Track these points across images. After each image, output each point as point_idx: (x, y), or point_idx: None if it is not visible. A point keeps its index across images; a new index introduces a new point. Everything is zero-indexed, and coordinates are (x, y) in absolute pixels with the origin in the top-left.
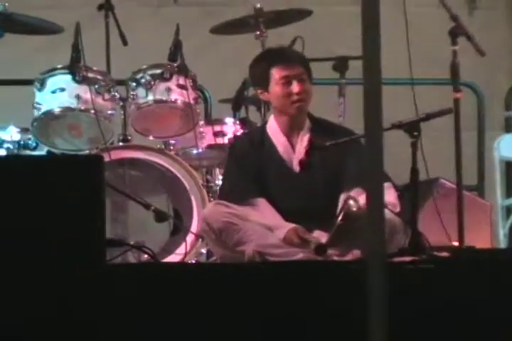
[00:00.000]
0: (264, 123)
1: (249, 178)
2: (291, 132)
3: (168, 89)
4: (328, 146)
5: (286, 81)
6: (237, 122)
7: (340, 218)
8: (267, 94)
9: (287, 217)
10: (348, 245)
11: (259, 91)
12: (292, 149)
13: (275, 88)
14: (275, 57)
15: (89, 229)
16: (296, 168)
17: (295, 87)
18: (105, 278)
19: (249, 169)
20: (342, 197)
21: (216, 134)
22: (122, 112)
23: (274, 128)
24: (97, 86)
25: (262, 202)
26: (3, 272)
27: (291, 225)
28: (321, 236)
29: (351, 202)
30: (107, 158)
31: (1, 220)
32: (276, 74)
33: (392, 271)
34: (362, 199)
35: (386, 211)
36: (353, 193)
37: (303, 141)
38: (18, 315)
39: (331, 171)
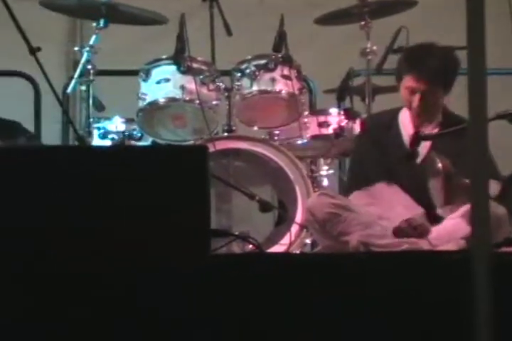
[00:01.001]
0: (399, 108)
1: (374, 159)
2: (419, 125)
3: (273, 80)
4: (434, 137)
5: (411, 90)
6: (342, 112)
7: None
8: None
9: None
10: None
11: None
12: None
13: (403, 90)
14: (412, 63)
15: (194, 219)
16: (418, 159)
17: (415, 100)
18: (210, 268)
19: (375, 147)
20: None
21: (320, 124)
22: (227, 102)
23: (405, 118)
24: (201, 76)
25: (386, 186)
26: (107, 263)
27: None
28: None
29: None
30: (211, 149)
31: (106, 212)
32: (405, 81)
33: (498, 262)
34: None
35: (491, 202)
36: None
37: None
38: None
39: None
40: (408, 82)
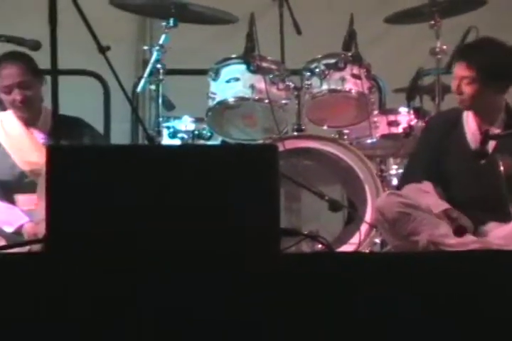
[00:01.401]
0: None
1: (429, 157)
2: (482, 124)
3: (343, 79)
4: (502, 136)
5: (456, 78)
6: (412, 112)
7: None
8: None
9: (463, 206)
10: None
11: None
12: None
13: (453, 79)
14: (464, 51)
15: (264, 218)
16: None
17: (453, 86)
18: (280, 267)
19: (433, 145)
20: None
21: (390, 124)
22: (296, 102)
23: (469, 116)
24: (271, 75)
25: (427, 186)
26: (177, 264)
27: (445, 206)
28: (494, 228)
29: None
30: (281, 148)
31: (175, 211)
32: (455, 68)
33: None
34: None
35: None
36: None
37: None
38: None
39: None
40: (456, 68)
